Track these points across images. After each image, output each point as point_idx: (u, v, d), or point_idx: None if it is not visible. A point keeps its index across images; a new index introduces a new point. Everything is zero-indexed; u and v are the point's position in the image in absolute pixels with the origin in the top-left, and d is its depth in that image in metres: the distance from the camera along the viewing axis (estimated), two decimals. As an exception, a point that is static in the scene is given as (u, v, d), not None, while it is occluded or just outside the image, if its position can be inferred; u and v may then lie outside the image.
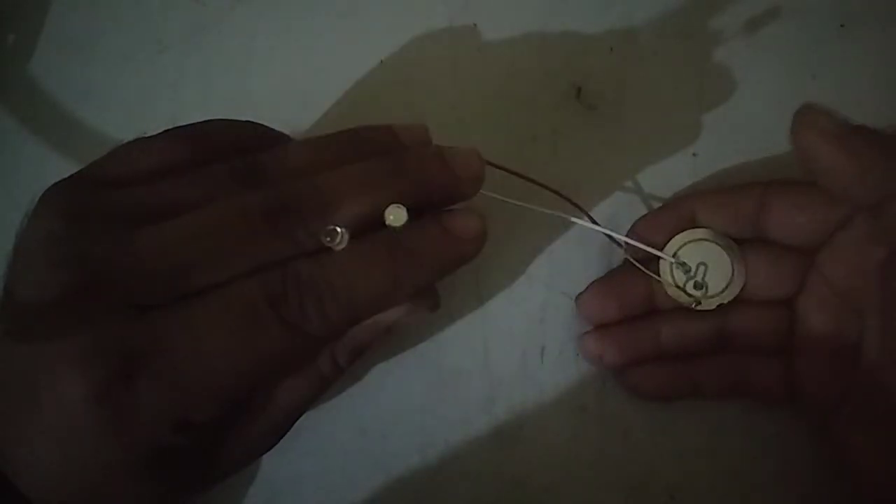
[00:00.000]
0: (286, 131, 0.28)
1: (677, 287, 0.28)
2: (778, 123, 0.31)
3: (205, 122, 0.26)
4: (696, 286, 0.28)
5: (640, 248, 0.28)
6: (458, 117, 0.32)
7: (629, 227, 0.30)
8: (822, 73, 0.32)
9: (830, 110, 0.25)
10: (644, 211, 0.31)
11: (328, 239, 0.22)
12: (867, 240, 0.25)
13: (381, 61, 0.33)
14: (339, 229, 0.22)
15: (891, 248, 0.25)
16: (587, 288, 0.30)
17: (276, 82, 0.33)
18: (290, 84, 0.33)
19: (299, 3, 0.34)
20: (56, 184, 0.23)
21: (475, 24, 0.33)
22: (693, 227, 0.29)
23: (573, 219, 0.29)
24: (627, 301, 0.29)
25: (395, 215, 0.23)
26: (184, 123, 0.26)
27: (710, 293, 0.28)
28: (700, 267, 0.28)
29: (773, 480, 0.29)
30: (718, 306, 0.28)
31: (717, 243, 0.28)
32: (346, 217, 0.23)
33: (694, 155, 0.32)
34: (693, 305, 0.28)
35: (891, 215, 0.24)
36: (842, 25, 0.32)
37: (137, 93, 0.33)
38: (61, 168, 0.24)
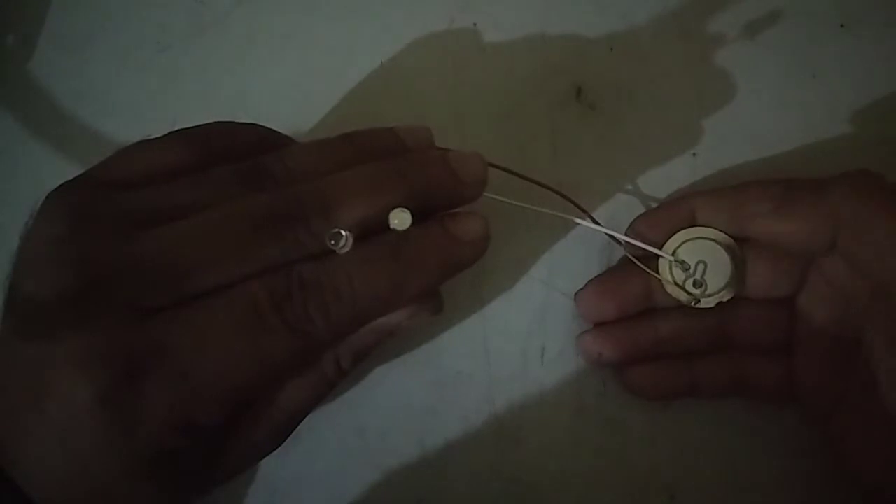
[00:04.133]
0: (286, 132, 0.28)
1: (676, 285, 0.28)
2: (778, 123, 0.32)
3: (208, 124, 0.26)
4: (695, 284, 0.28)
5: (640, 247, 0.29)
6: (458, 118, 0.32)
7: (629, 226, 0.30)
8: (822, 73, 0.32)
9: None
10: (644, 211, 0.31)
11: (332, 242, 0.22)
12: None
13: (381, 62, 0.33)
14: (343, 232, 0.22)
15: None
16: (585, 285, 0.30)
17: (276, 83, 0.33)
18: (290, 85, 0.33)
19: (299, 4, 0.34)
20: (60, 186, 0.23)
21: (475, 24, 0.33)
22: (693, 226, 0.29)
23: (574, 219, 0.29)
24: (626, 299, 0.29)
25: (400, 219, 0.23)
26: (184, 124, 0.25)
27: (709, 291, 0.28)
28: (699, 265, 0.28)
29: (773, 480, 0.29)
30: (717, 305, 0.28)
31: (716, 242, 0.28)
32: (350, 220, 0.23)
33: (694, 155, 0.32)
34: (692, 304, 0.28)
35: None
36: (842, 25, 0.32)
37: (137, 93, 0.33)
38: (61, 169, 0.24)
